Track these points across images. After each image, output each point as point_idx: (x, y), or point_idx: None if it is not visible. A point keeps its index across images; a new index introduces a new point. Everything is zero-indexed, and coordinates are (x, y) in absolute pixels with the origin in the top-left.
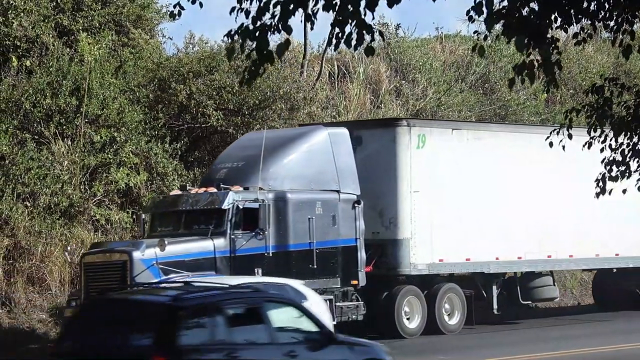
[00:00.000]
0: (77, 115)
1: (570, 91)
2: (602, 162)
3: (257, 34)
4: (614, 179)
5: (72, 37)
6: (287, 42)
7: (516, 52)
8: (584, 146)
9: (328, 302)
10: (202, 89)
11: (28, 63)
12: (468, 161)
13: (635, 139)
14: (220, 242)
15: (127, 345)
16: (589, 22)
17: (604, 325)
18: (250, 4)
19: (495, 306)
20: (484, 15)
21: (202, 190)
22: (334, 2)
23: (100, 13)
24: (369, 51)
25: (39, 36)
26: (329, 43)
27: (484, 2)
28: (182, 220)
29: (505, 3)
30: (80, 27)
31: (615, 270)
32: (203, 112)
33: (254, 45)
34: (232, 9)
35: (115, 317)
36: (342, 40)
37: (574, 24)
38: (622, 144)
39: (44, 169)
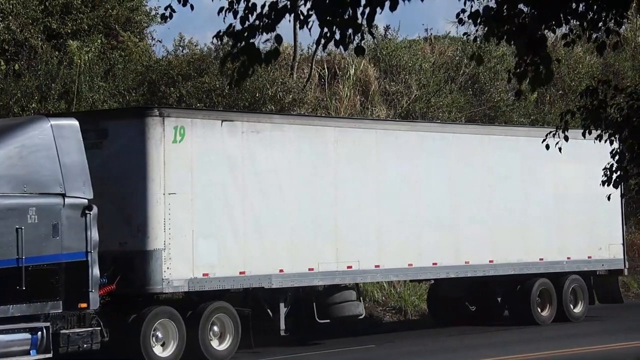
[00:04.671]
0: None
1: (559, 92)
2: (611, 153)
3: (245, 35)
4: (615, 184)
5: (61, 40)
6: (277, 51)
7: (505, 53)
8: (596, 138)
9: (43, 331)
10: (192, 92)
11: (16, 67)
12: (244, 158)
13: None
14: None
15: None
16: (578, 23)
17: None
18: (238, 4)
19: (282, 326)
20: (476, 19)
21: None
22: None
23: (89, 16)
24: (359, 51)
25: (27, 39)
26: (318, 43)
27: (480, 10)
28: None
29: (493, 5)
30: (69, 30)
31: (432, 281)
32: None
33: (242, 45)
34: (221, 10)
35: None
36: (332, 41)
37: (564, 25)
38: (618, 150)
39: None
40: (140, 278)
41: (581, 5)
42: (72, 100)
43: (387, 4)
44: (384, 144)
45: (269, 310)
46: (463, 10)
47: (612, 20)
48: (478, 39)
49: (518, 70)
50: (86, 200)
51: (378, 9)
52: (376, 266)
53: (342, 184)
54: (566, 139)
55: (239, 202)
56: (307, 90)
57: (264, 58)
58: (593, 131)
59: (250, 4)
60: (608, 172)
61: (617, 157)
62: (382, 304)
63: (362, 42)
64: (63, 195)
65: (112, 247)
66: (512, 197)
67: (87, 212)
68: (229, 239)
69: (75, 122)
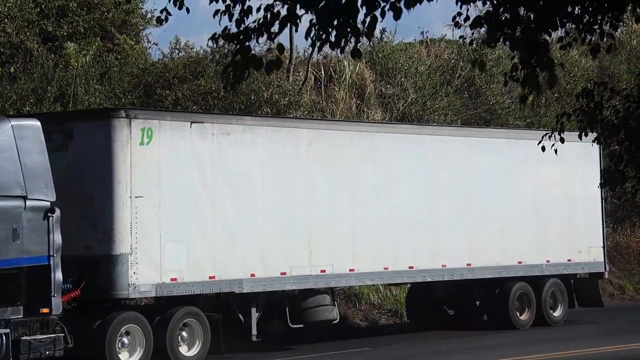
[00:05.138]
0: None
1: (555, 95)
2: (611, 155)
3: (240, 37)
4: (612, 188)
5: (57, 42)
6: (279, 61)
7: (501, 56)
8: (593, 141)
9: (2, 337)
10: (187, 95)
11: (12, 69)
12: (214, 160)
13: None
14: None
15: None
16: (574, 26)
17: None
18: (234, 7)
19: (254, 332)
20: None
21: None
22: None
23: (85, 19)
24: (356, 53)
25: (23, 42)
26: (313, 45)
27: (482, 15)
28: None
29: (489, 9)
30: (65, 33)
31: (409, 285)
32: None
33: (237, 48)
34: (216, 12)
35: None
36: (327, 43)
37: (559, 28)
38: (617, 149)
39: None
40: (106, 283)
41: (577, 9)
42: (67, 103)
43: (390, 13)
44: (359, 146)
45: (240, 315)
46: (459, 14)
47: (608, 24)
48: (474, 43)
49: (514, 73)
50: (48, 203)
51: (379, 17)
52: (351, 270)
53: (316, 187)
54: (562, 140)
55: (208, 205)
56: (303, 93)
57: (265, 67)
58: (590, 133)
59: (245, 7)
60: (606, 175)
61: (614, 159)
62: (378, 306)
63: (358, 44)
64: (24, 198)
65: (77, 252)
66: (491, 200)
67: (49, 215)
68: (199, 243)
69: (37, 123)
